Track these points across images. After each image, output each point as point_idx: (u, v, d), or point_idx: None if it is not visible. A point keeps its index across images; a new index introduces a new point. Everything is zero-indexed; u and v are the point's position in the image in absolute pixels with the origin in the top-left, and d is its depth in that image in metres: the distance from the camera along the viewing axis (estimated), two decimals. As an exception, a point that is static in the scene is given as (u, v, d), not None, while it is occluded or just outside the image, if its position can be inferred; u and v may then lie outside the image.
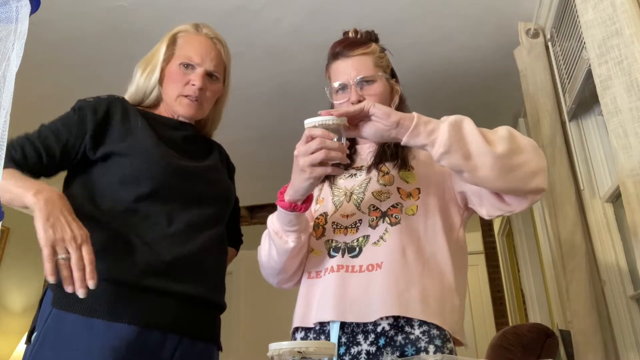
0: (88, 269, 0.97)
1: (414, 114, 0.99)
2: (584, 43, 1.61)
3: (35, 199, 1.00)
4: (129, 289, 1.10)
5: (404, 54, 2.49)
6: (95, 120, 1.21)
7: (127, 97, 1.34)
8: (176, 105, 1.30)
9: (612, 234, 1.95)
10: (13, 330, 3.84)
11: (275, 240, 1.14)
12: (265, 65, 2.60)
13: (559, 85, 2.14)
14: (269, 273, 1.22)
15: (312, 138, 0.99)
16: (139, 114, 1.27)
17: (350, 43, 1.24)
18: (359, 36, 1.28)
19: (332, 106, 1.30)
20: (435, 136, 0.97)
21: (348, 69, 1.21)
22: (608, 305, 1.90)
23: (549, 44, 2.20)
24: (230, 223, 1.41)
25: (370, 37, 1.28)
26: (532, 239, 3.43)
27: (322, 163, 1.00)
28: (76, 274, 0.96)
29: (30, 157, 1.16)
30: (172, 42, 1.31)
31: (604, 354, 1.78)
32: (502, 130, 1.01)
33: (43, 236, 0.96)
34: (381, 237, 1.11)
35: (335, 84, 1.23)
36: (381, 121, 0.99)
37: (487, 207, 1.09)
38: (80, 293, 0.96)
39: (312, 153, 0.99)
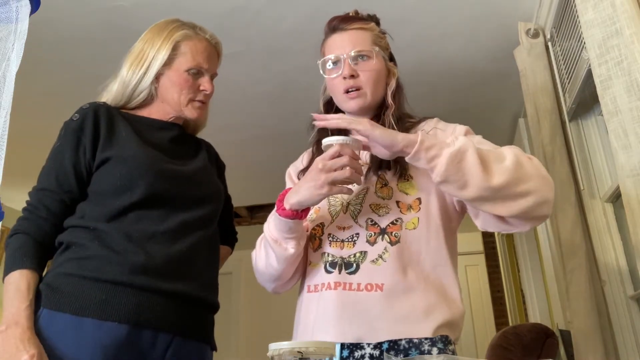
0: None
1: (419, 136, 0.96)
2: (584, 43, 1.61)
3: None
4: (119, 287, 1.10)
5: (404, 53, 2.48)
6: (90, 136, 1.22)
7: (108, 97, 1.32)
8: (187, 109, 1.31)
9: (612, 234, 1.95)
10: (13, 330, 3.82)
11: (274, 248, 1.12)
12: (265, 65, 2.59)
13: (559, 85, 2.14)
14: (266, 279, 1.20)
15: (340, 155, 0.99)
16: (123, 119, 1.27)
17: (349, 17, 1.20)
18: (359, 16, 1.24)
19: (324, 89, 1.27)
20: (435, 164, 0.95)
21: (344, 42, 1.16)
22: (608, 305, 1.90)
23: (549, 44, 2.20)
24: (223, 221, 1.40)
25: (371, 19, 1.24)
26: (532, 239, 3.43)
27: (340, 182, 1.00)
28: None
29: (54, 208, 1.19)
30: (174, 47, 1.30)
31: (604, 354, 1.78)
32: (509, 158, 0.97)
33: None
34: (380, 257, 1.07)
35: (329, 57, 1.18)
36: (383, 149, 0.99)
37: (483, 222, 1.06)
38: None
39: (336, 170, 0.99)
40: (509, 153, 1.00)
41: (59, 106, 2.82)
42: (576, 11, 1.67)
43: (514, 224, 1.01)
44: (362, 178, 1.17)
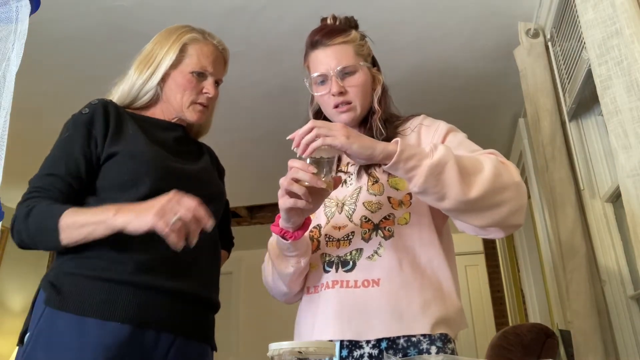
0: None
1: (398, 147, 0.94)
2: (584, 43, 1.61)
3: (114, 218, 1.04)
4: (122, 287, 1.10)
5: (403, 53, 2.49)
6: (100, 130, 1.22)
7: (115, 96, 1.33)
8: (188, 111, 1.32)
9: (612, 234, 1.95)
10: (13, 330, 3.84)
11: (275, 264, 1.13)
12: (265, 65, 2.60)
13: (559, 85, 2.14)
14: (276, 293, 1.22)
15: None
16: (129, 117, 1.28)
17: (330, 31, 1.19)
18: (337, 23, 1.22)
19: (312, 99, 1.27)
20: (413, 175, 0.94)
21: (328, 59, 1.17)
22: (608, 305, 1.90)
23: (549, 44, 2.20)
24: (221, 225, 1.41)
25: (349, 24, 1.23)
26: (532, 239, 3.43)
27: (292, 195, 0.97)
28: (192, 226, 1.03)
29: (66, 191, 1.17)
30: (182, 49, 1.31)
31: (604, 354, 1.78)
32: (487, 168, 0.97)
33: (157, 224, 1.00)
34: (375, 252, 1.08)
35: (315, 75, 1.18)
36: (363, 159, 0.98)
37: (460, 225, 1.06)
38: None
39: (298, 181, 0.96)
40: (487, 163, 0.99)
41: (59, 106, 2.81)
42: (576, 11, 1.67)
43: (490, 231, 1.02)
44: (354, 177, 1.17)
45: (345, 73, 1.16)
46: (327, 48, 1.17)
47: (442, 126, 1.16)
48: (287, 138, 0.98)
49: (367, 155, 0.96)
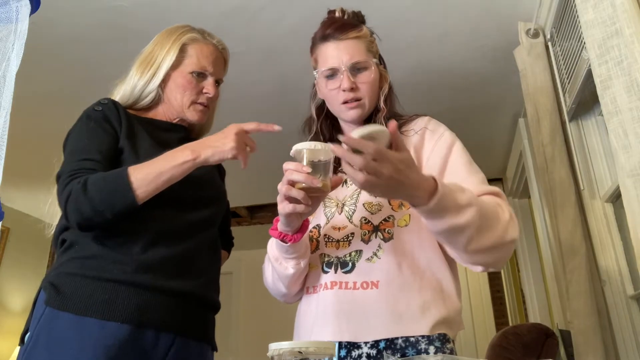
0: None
1: (431, 202, 0.89)
2: (584, 43, 1.61)
3: (194, 153, 1.11)
4: (122, 287, 1.10)
5: (404, 53, 2.49)
6: (115, 126, 1.23)
7: (117, 97, 1.34)
8: (189, 111, 1.33)
9: (612, 234, 1.95)
10: (13, 331, 3.84)
11: (275, 266, 1.13)
12: (265, 65, 2.60)
13: (559, 85, 2.14)
14: (276, 294, 1.22)
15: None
16: (134, 118, 1.29)
17: (342, 25, 1.17)
18: (346, 16, 1.21)
19: (314, 94, 1.26)
20: (431, 220, 0.94)
21: (340, 53, 1.14)
22: (608, 305, 1.90)
23: (549, 44, 2.20)
24: (222, 226, 1.41)
25: (358, 19, 1.22)
26: (532, 239, 3.43)
27: (291, 200, 0.96)
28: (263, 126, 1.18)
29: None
30: (182, 49, 1.32)
31: (604, 354, 1.78)
32: (500, 229, 0.98)
33: (231, 148, 1.12)
34: (375, 254, 1.08)
35: (325, 69, 1.16)
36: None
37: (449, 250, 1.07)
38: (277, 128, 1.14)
39: (294, 184, 0.95)
40: (502, 221, 0.99)
41: (59, 106, 2.82)
42: (576, 11, 1.67)
43: (471, 267, 1.04)
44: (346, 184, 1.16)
45: (357, 69, 1.15)
46: (339, 42, 1.15)
47: (446, 135, 1.15)
48: (339, 138, 0.87)
49: (390, 198, 0.99)
